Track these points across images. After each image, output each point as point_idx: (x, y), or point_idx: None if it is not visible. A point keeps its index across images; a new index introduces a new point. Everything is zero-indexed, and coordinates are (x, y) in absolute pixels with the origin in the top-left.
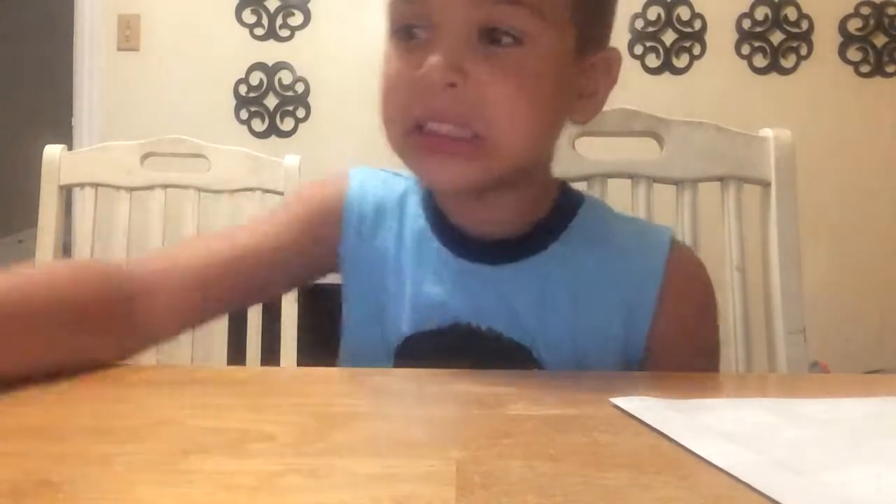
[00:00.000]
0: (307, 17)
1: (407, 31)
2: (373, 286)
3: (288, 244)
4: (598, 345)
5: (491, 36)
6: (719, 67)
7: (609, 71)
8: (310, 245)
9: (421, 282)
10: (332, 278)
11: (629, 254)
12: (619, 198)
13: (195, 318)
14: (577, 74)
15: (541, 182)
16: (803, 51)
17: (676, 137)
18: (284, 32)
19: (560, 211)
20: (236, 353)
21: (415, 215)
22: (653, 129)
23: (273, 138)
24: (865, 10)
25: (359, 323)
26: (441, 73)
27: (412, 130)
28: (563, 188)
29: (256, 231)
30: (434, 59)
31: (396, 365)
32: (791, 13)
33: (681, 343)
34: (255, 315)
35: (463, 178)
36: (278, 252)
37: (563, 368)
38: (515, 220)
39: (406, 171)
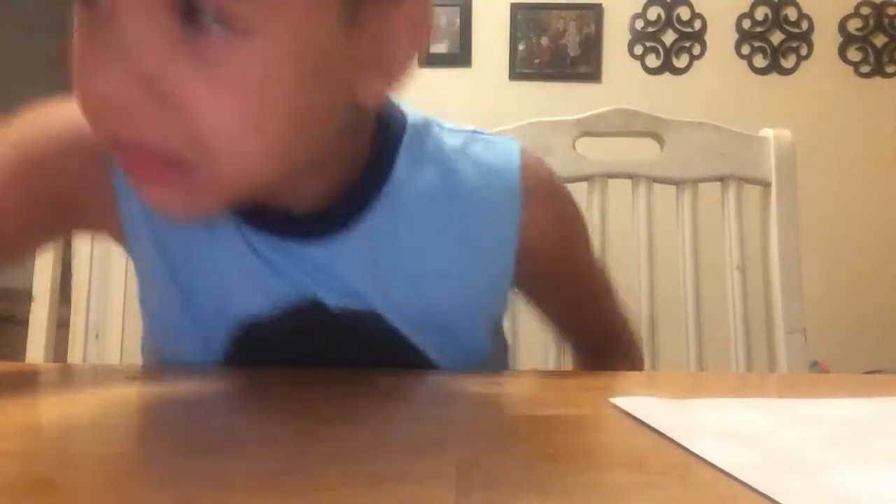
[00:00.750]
0: None
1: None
2: (177, 264)
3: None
4: (452, 298)
5: (192, 18)
6: (719, 67)
7: (413, 26)
8: (56, 220)
9: (234, 265)
10: None
11: (470, 193)
12: (619, 198)
13: None
14: (353, 47)
15: (346, 150)
16: (803, 51)
17: (676, 137)
18: None
19: (378, 162)
20: None
21: None
22: (653, 129)
23: None
24: (865, 10)
25: (166, 308)
26: (120, 92)
27: (111, 144)
28: (381, 125)
29: None
30: (107, 76)
31: (236, 353)
32: (791, 13)
33: (556, 262)
34: None
35: (186, 208)
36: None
37: (422, 329)
38: (329, 192)
39: None
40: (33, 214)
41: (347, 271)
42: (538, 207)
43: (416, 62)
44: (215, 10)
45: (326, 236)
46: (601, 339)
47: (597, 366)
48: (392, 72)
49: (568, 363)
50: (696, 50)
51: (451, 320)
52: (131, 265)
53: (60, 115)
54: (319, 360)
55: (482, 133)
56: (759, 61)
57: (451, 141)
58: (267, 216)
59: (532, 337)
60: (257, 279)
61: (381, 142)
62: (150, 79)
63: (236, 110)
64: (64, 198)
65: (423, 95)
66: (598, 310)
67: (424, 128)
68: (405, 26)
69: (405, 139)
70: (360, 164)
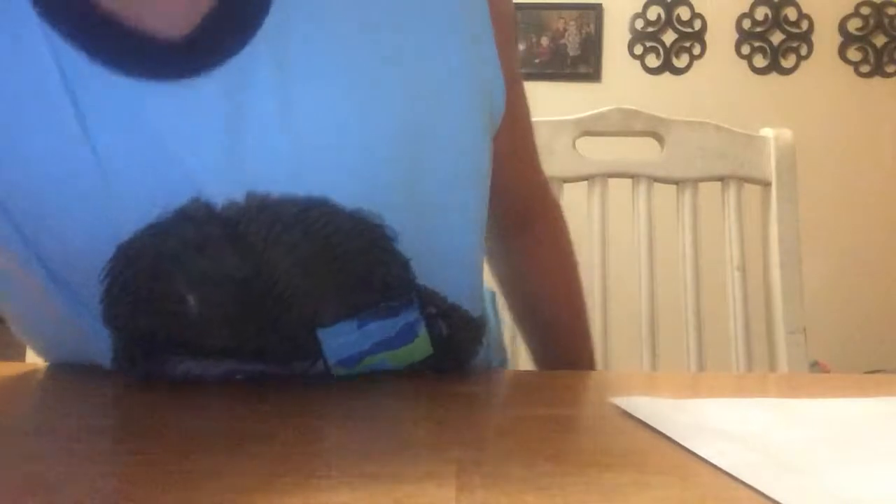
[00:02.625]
0: None
1: None
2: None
3: None
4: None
5: None
6: (719, 67)
7: None
8: None
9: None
10: None
11: None
12: (619, 198)
13: None
14: None
15: None
16: (803, 51)
17: (677, 137)
18: None
19: None
20: None
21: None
22: (653, 129)
23: None
24: (865, 10)
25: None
26: None
27: None
28: None
29: None
30: None
31: (115, 298)
32: (791, 13)
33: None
34: None
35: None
36: None
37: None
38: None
39: None
40: None
41: (249, 127)
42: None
43: None
44: None
45: (209, 66)
46: (523, 199)
47: (518, 245)
48: None
49: None
50: (696, 50)
51: (423, 177)
52: None
53: None
54: (247, 285)
55: None
56: (759, 61)
57: None
58: (115, 46)
59: None
60: (120, 159)
61: None
62: None
63: None
64: None
65: None
66: (524, 146)
67: None
68: None
69: None
70: None
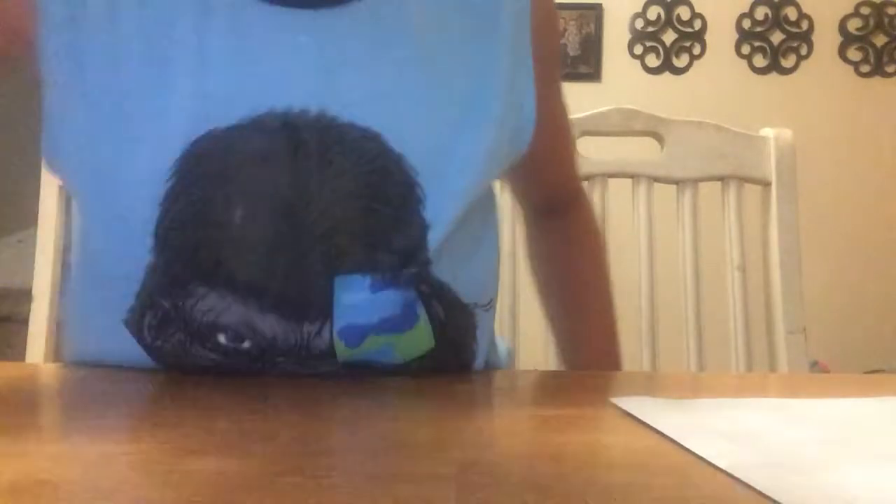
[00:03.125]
0: None
1: None
2: (110, 79)
3: None
4: (465, 93)
5: None
6: (719, 67)
7: None
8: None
9: (211, 49)
10: None
11: None
12: (619, 198)
13: None
14: None
15: None
16: (803, 51)
17: (677, 137)
18: None
19: None
20: None
21: None
22: (653, 129)
23: None
24: (865, 10)
25: (91, 141)
26: None
27: None
28: None
29: None
30: None
31: (177, 194)
32: (791, 13)
33: (551, 80)
34: None
35: None
36: None
37: (428, 154)
38: None
39: None
40: None
41: (343, 60)
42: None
43: None
44: None
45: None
46: (560, 192)
47: (551, 238)
48: None
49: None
50: (696, 50)
51: (456, 139)
52: None
53: None
54: (294, 201)
55: None
56: (759, 61)
57: None
58: None
59: (532, 337)
60: (232, 64)
61: None
62: None
63: None
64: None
65: None
66: (565, 149)
67: None
68: None
69: None
70: None
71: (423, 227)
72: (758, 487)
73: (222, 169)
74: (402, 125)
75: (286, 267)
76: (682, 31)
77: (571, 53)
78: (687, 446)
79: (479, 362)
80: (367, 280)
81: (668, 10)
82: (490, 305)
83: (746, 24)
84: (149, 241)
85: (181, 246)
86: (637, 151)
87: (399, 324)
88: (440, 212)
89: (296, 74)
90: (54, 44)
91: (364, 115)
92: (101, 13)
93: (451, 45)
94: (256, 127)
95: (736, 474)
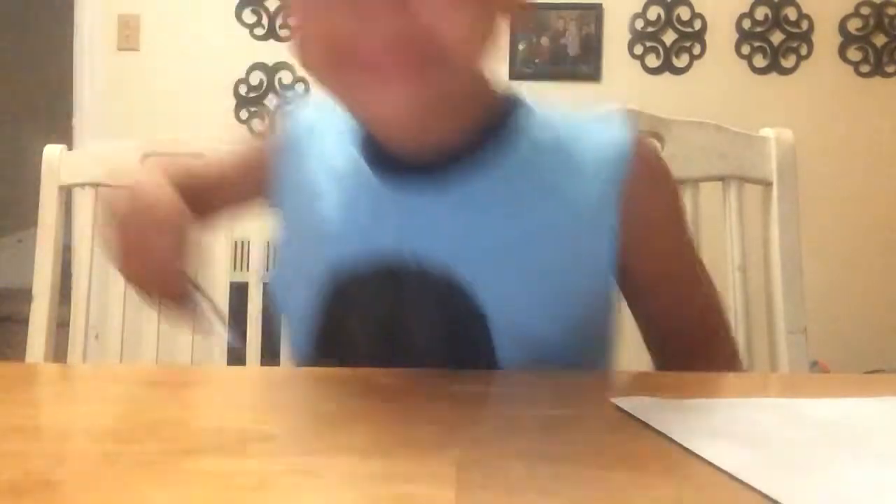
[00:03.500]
0: None
1: None
2: (302, 218)
3: (238, 166)
4: (552, 270)
5: None
6: (719, 67)
7: None
8: (251, 170)
9: (354, 215)
10: None
11: (581, 157)
12: None
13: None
14: None
15: (480, 92)
16: (803, 51)
17: (677, 137)
18: (285, 32)
19: (502, 123)
20: (236, 353)
21: (346, 144)
22: (653, 129)
23: None
24: (865, 10)
25: (288, 260)
26: (373, 7)
27: (339, 66)
28: (507, 97)
29: (221, 151)
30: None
31: (322, 310)
32: (791, 13)
33: (654, 244)
34: (254, 315)
35: (416, 111)
36: (231, 170)
37: (505, 310)
38: (454, 138)
39: None
40: (244, 172)
41: (442, 223)
42: (642, 176)
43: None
44: None
45: (435, 182)
46: (696, 335)
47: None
48: (520, 4)
49: None
50: (696, 50)
51: (533, 301)
52: None
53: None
54: (394, 326)
55: (594, 113)
56: (759, 61)
57: (566, 114)
58: (386, 160)
59: None
60: (360, 223)
61: (501, 104)
62: None
63: (458, 5)
64: (262, 161)
65: None
66: (693, 297)
67: (544, 102)
68: None
69: (523, 109)
70: (479, 125)
71: (494, 364)
72: (758, 487)
73: (349, 303)
74: (481, 282)
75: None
76: (682, 32)
77: (571, 53)
78: (687, 446)
79: None
80: None
81: (668, 10)
82: None
83: (746, 24)
84: (308, 341)
85: (325, 349)
86: None
87: None
88: (511, 353)
89: (403, 237)
90: (279, 204)
91: (448, 269)
92: (299, 158)
93: (533, 220)
94: (375, 272)
95: (736, 474)
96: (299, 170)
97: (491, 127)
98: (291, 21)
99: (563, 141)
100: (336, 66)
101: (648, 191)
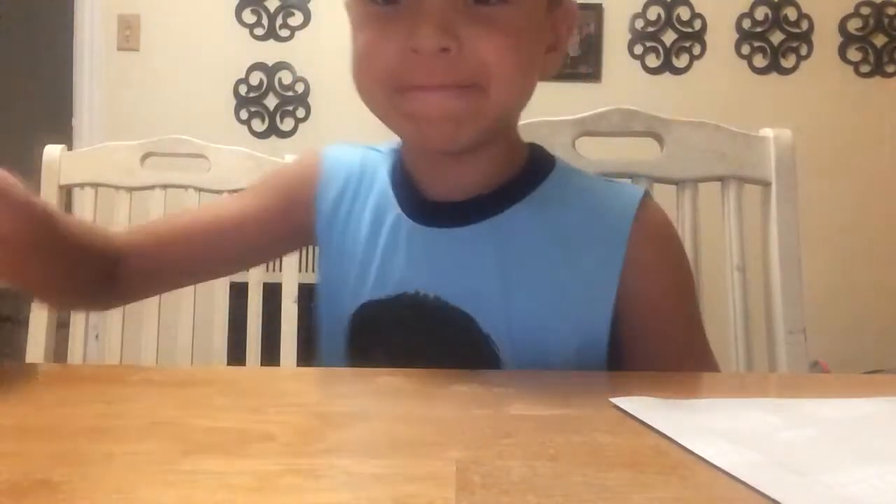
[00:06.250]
0: (307, 17)
1: None
2: (342, 258)
3: (263, 214)
4: (556, 313)
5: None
6: (719, 67)
7: (569, 23)
8: (283, 217)
9: (381, 250)
10: None
11: (594, 215)
12: None
13: (169, 277)
14: (547, 28)
15: (510, 142)
16: (803, 51)
17: (676, 137)
18: (284, 32)
19: (528, 174)
20: (236, 353)
21: (382, 184)
22: (653, 129)
23: (273, 138)
24: (865, 10)
25: (327, 296)
26: (436, 40)
27: (400, 93)
28: (534, 153)
29: (237, 201)
30: (427, 27)
31: (350, 336)
32: (791, 13)
33: (654, 308)
34: (254, 315)
35: (459, 134)
36: (255, 221)
37: (513, 342)
38: (482, 183)
39: (381, 145)
40: (268, 213)
41: (463, 261)
42: (646, 244)
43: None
44: None
45: (460, 223)
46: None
47: None
48: (560, 54)
49: None
50: (696, 50)
51: (542, 337)
52: None
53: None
54: (415, 352)
55: (615, 180)
56: (759, 61)
57: (588, 179)
58: (428, 207)
59: None
60: (390, 260)
61: (535, 162)
62: (454, 36)
63: (504, 45)
64: (290, 191)
65: None
66: (679, 354)
67: (570, 168)
68: (564, 20)
69: (557, 167)
70: (516, 169)
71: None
72: (758, 487)
73: (372, 328)
74: (489, 314)
75: None
76: (682, 31)
77: (571, 53)
78: (687, 446)
79: None
80: None
81: (668, 10)
82: None
83: (746, 24)
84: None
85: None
86: (637, 151)
87: None
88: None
89: (423, 271)
90: (320, 235)
91: (461, 303)
92: (341, 205)
93: (544, 265)
94: (396, 303)
95: (736, 474)
96: (342, 217)
97: (515, 177)
98: (354, 52)
99: (580, 199)
100: (392, 91)
101: (651, 249)
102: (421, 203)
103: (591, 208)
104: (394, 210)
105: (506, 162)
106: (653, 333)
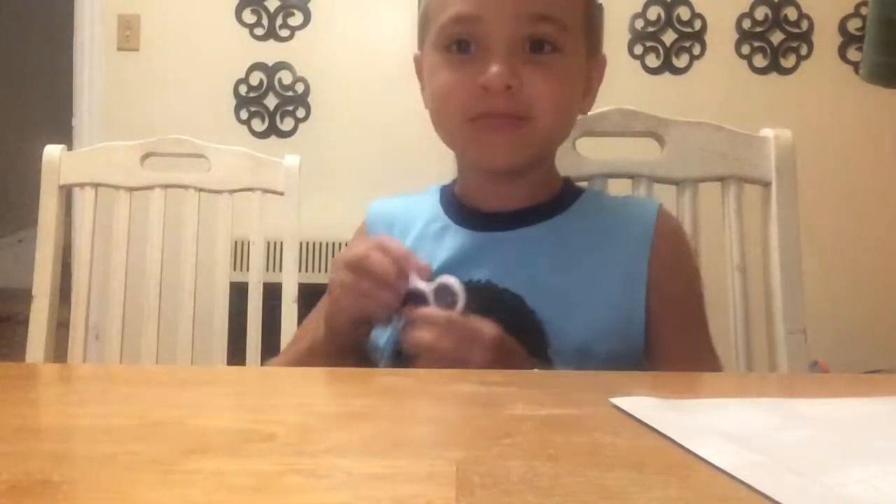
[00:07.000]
0: (307, 17)
1: (460, 46)
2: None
3: None
4: (592, 303)
5: (535, 46)
6: (719, 67)
7: (599, 72)
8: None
9: (434, 255)
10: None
11: (624, 220)
12: None
13: None
14: (585, 74)
15: (550, 169)
16: (803, 51)
17: (677, 137)
18: (284, 32)
19: (564, 195)
20: (236, 353)
21: (430, 209)
22: (653, 129)
23: (273, 138)
24: (865, 11)
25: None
26: (503, 79)
27: (471, 122)
28: (566, 181)
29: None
30: (496, 69)
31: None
32: (791, 13)
33: (672, 300)
34: (254, 315)
35: (515, 155)
36: None
37: (560, 322)
38: (528, 201)
39: (424, 189)
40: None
41: (516, 257)
42: (664, 243)
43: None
44: (550, 39)
45: (514, 228)
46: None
47: None
48: (592, 97)
49: None
50: (696, 50)
51: (580, 319)
52: (131, 266)
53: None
54: None
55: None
56: (759, 61)
57: (613, 196)
58: (466, 214)
59: None
60: (435, 257)
61: (569, 187)
62: (517, 76)
63: (556, 89)
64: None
65: None
66: (686, 343)
67: (598, 190)
68: (597, 68)
69: (588, 191)
70: (553, 193)
71: (549, 362)
72: (758, 488)
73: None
74: (537, 294)
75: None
76: (682, 31)
77: None
78: (687, 446)
79: None
80: None
81: (668, 10)
82: None
83: (746, 24)
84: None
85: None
86: (637, 151)
87: None
88: (563, 358)
89: (474, 263)
90: None
91: (511, 285)
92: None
93: (581, 267)
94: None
95: (736, 474)
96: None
97: (554, 197)
98: (432, 92)
99: (611, 208)
100: (465, 121)
101: (668, 247)
102: (471, 213)
103: (621, 215)
104: (445, 221)
105: (546, 185)
106: (669, 323)
